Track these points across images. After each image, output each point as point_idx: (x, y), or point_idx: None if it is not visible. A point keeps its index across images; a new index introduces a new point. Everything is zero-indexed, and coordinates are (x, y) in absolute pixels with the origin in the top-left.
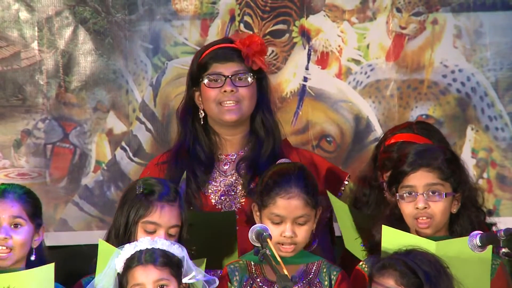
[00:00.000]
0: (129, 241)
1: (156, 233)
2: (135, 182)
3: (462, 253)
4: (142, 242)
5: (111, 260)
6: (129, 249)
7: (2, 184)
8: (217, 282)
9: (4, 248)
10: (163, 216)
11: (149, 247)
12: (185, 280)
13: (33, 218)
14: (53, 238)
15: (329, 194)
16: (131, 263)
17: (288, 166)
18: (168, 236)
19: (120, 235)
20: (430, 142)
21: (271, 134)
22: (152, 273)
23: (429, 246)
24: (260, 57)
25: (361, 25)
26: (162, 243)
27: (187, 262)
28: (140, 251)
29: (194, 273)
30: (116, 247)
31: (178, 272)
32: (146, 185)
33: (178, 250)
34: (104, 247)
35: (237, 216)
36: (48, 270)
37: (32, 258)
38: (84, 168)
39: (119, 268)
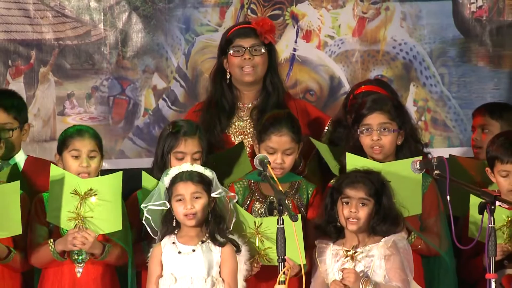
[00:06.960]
0: (165, 166)
1: (184, 159)
2: (167, 124)
3: (401, 172)
4: (184, 166)
5: (162, 179)
6: (174, 171)
7: (77, 126)
8: (237, 198)
9: (85, 174)
10: (187, 146)
11: (189, 169)
12: (213, 194)
13: (101, 151)
14: (114, 164)
15: (312, 139)
16: (175, 179)
17: (280, 112)
18: (194, 160)
19: (159, 162)
20: (385, 92)
21: (276, 90)
22: (190, 187)
23: (378, 166)
24: (270, 34)
25: (334, 11)
26: (198, 167)
27: (216, 182)
28: (182, 172)
29: (220, 190)
30: (158, 171)
31: (208, 188)
32: (174, 125)
33: (209, 173)
34: (146, 176)
35: (248, 149)
36: (117, 176)
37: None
38: (136, 113)
39: (167, 184)
